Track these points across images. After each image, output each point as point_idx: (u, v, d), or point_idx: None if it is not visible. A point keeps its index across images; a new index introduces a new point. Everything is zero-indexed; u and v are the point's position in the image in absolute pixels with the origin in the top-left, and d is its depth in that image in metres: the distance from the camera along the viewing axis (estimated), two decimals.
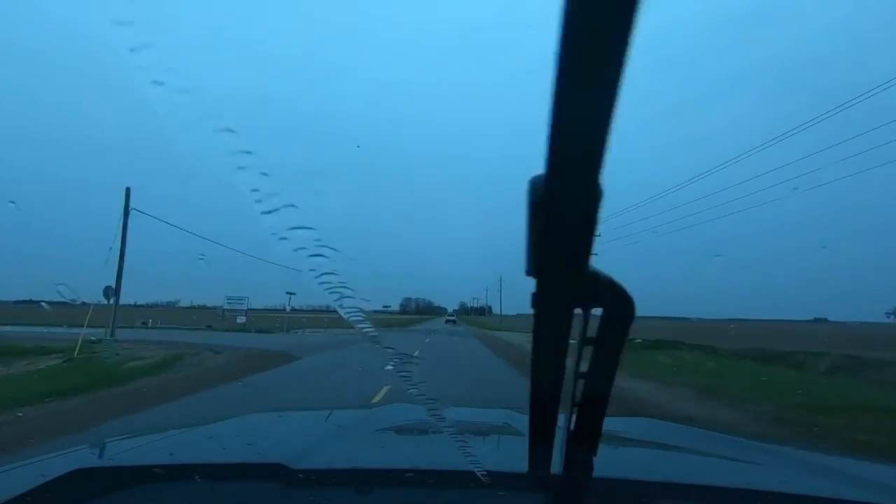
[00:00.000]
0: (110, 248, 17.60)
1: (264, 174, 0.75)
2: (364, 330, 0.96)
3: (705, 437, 1.91)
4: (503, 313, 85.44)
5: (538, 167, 0.51)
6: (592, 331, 0.69)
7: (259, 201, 0.75)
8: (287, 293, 35.86)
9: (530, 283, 0.60)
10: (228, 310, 41.96)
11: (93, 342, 15.33)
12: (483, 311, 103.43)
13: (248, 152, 0.74)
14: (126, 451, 1.32)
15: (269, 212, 0.76)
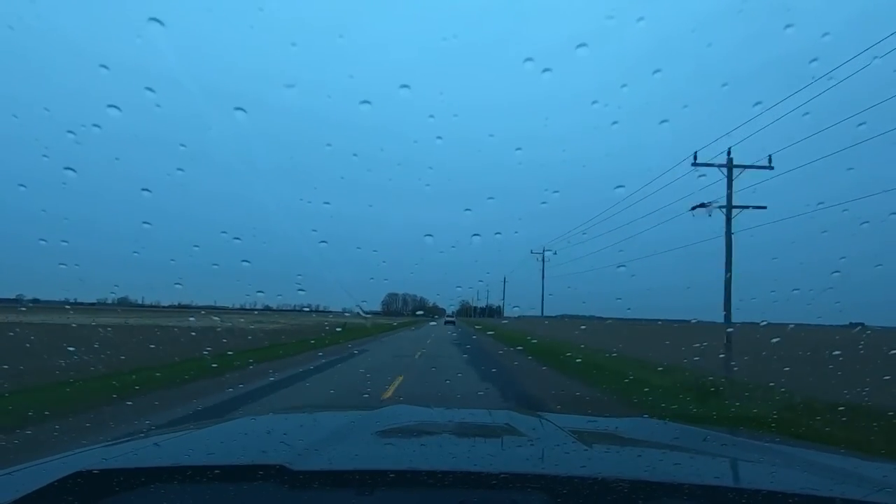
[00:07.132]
0: None
1: None
2: None
3: (703, 436, 1.91)
4: (505, 315, 62.12)
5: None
6: None
7: None
8: None
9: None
10: None
11: None
12: (492, 312, 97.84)
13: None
14: (127, 453, 1.35)
15: None
